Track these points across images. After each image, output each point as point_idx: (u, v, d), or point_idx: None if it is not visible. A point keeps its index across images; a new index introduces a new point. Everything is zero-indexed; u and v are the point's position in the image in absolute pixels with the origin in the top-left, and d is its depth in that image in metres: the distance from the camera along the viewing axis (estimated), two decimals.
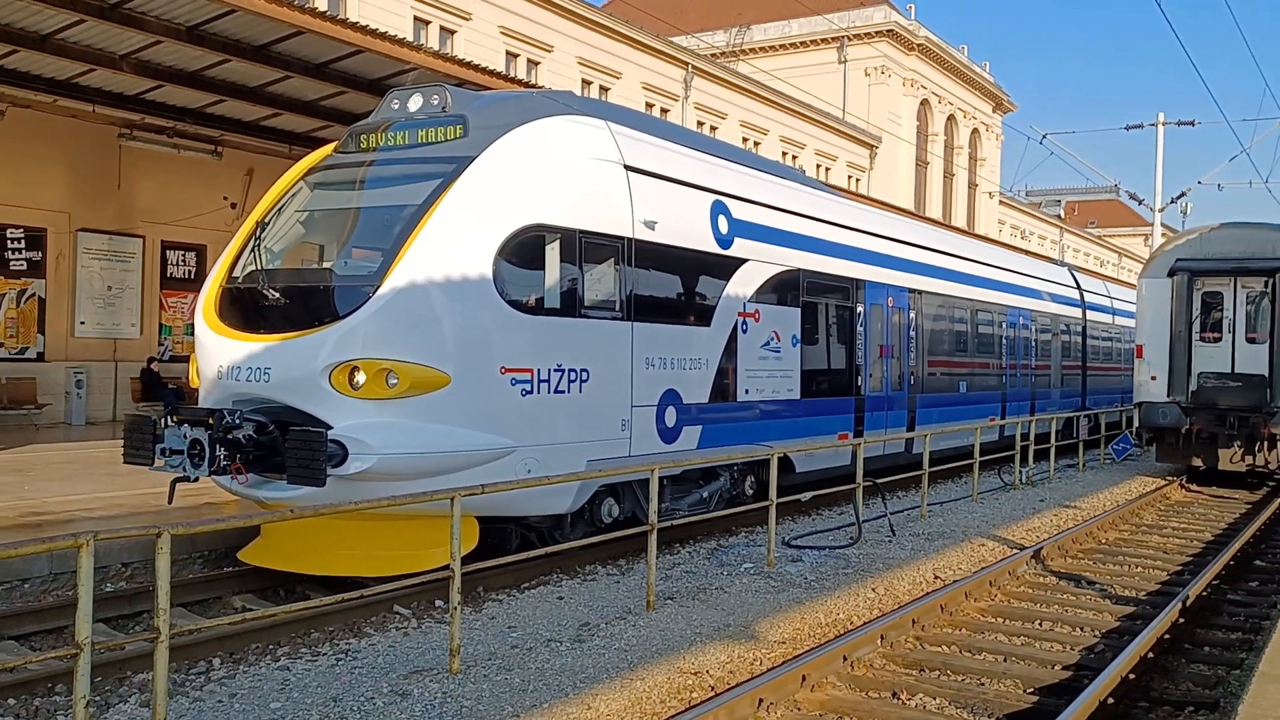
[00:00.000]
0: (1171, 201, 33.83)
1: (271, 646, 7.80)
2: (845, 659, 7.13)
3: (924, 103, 54.04)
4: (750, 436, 12.24)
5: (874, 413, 15.29)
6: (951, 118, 57.13)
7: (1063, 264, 31.13)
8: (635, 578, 9.50)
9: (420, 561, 8.42)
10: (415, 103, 10.12)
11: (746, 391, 12.19)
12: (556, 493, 9.48)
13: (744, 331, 12.12)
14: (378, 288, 8.57)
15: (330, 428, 8.30)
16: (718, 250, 11.73)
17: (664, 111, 37.33)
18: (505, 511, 9.41)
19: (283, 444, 8.28)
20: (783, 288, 12.93)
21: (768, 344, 12.59)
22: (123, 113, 17.98)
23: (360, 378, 8.45)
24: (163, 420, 8.90)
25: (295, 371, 8.57)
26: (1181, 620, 8.53)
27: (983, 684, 7.09)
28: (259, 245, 9.75)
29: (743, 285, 12.12)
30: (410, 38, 24.07)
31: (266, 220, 10.02)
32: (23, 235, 19.31)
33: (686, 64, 38.25)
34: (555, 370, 9.46)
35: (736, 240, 12.06)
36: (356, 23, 15.09)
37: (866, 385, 15.12)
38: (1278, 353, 17.33)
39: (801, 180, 15.73)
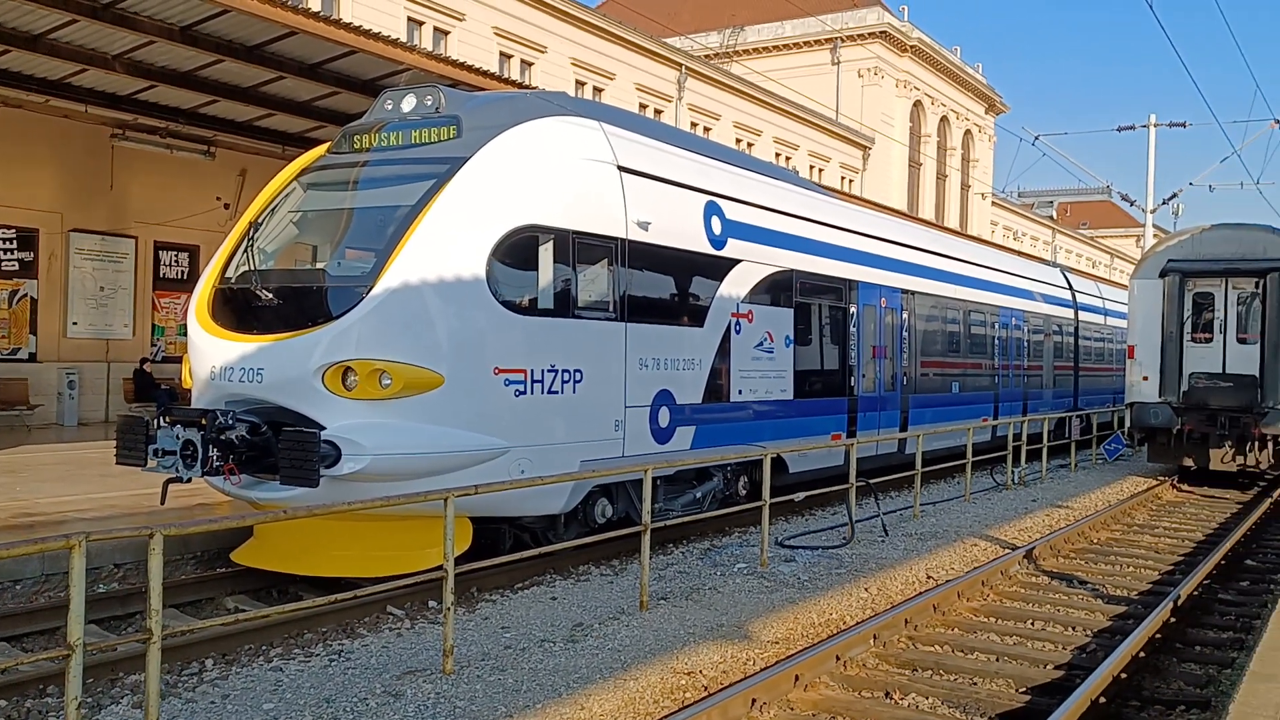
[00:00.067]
0: (1163, 203, 33.95)
1: (264, 647, 7.79)
2: (838, 659, 7.15)
3: (917, 104, 54.14)
4: (744, 437, 12.25)
5: (867, 413, 15.32)
6: (944, 119, 57.24)
7: (1055, 265, 31.19)
8: (629, 578, 9.51)
9: (414, 562, 8.42)
10: (409, 103, 10.12)
11: (740, 392, 12.21)
12: (550, 493, 9.48)
13: (737, 332, 12.13)
14: (371, 288, 8.56)
15: (323, 428, 8.29)
16: (711, 251, 11.75)
17: (657, 112, 37.34)
18: (499, 512, 9.41)
19: (276, 445, 8.27)
20: (776, 288, 12.95)
21: (761, 344, 12.61)
22: (115, 113, 17.94)
23: (353, 378, 8.45)
24: (155, 421, 8.89)
25: (288, 372, 8.56)
26: (1173, 620, 8.55)
27: (975, 683, 7.11)
28: (252, 246, 9.74)
29: (736, 286, 12.13)
30: (404, 38, 24.04)
31: (260, 221, 10.01)
32: (14, 235, 19.24)
33: (680, 65, 38.26)
34: (549, 371, 9.47)
35: (730, 241, 12.08)
36: (350, 23, 15.08)
37: (859, 386, 15.15)
38: (1269, 353, 17.39)
39: (795, 181, 15.76)
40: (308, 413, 8.50)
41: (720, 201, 12.05)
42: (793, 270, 13.32)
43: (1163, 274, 18.40)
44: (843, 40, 50.09)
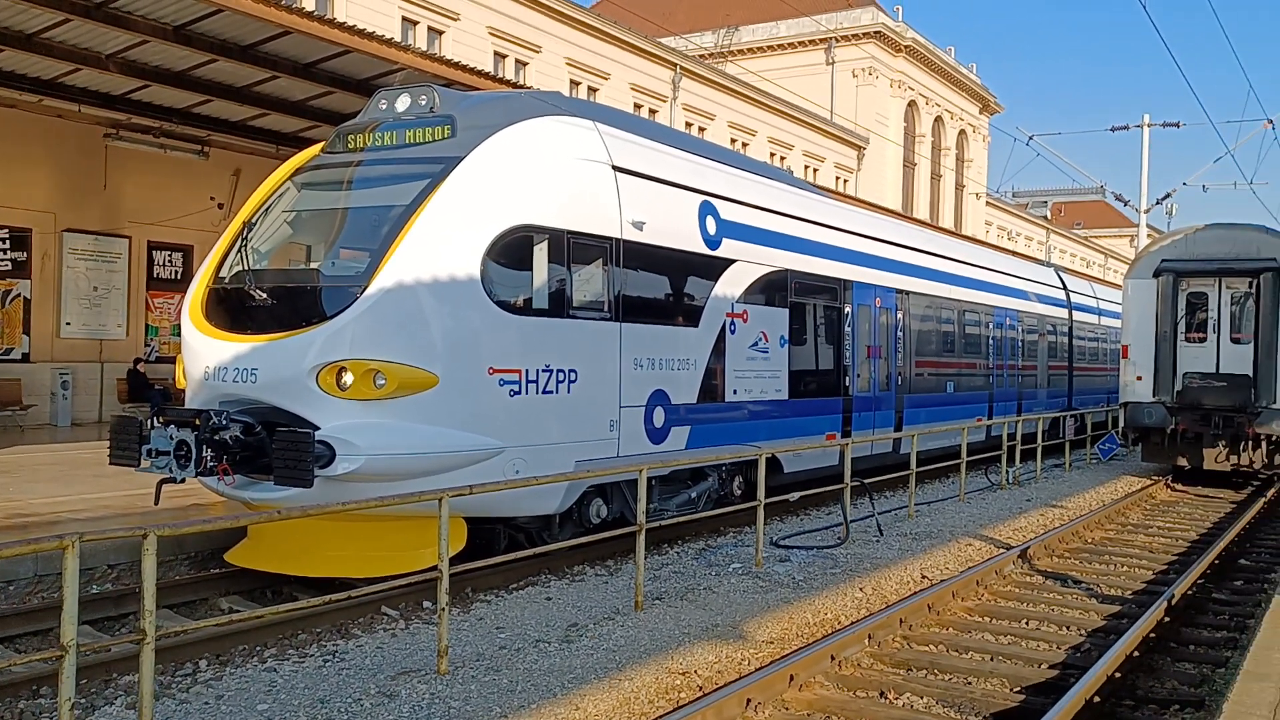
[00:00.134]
0: (1157, 203, 34.03)
1: (258, 648, 7.77)
2: (833, 659, 7.15)
3: (911, 104, 54.21)
4: (738, 437, 12.25)
5: (862, 413, 15.33)
6: (939, 119, 57.31)
7: (1049, 265, 31.27)
8: (623, 578, 9.51)
9: (408, 562, 8.40)
10: (403, 103, 10.11)
11: (735, 392, 12.21)
12: (545, 493, 9.47)
13: (732, 332, 12.13)
14: (365, 288, 8.55)
15: (317, 428, 8.27)
16: (705, 251, 11.75)
17: (652, 112, 37.35)
18: (493, 512, 9.40)
19: (270, 445, 8.26)
20: (770, 288, 12.96)
21: (756, 344, 12.61)
22: (109, 112, 17.90)
23: (348, 378, 8.43)
24: (149, 421, 8.86)
25: (282, 372, 8.55)
26: (1167, 619, 8.57)
27: (970, 683, 7.11)
28: (246, 245, 9.72)
29: (731, 286, 12.13)
30: (398, 38, 24.03)
31: (253, 220, 9.99)
32: (7, 235, 19.18)
33: (675, 65, 38.27)
34: (543, 371, 9.46)
35: (724, 241, 12.08)
36: (344, 23, 15.06)
37: (854, 385, 15.16)
38: (1262, 353, 17.44)
39: (789, 181, 15.76)
40: (302, 413, 8.48)
41: (715, 201, 12.05)
42: (787, 270, 13.33)
43: (1157, 274, 18.44)
44: (837, 40, 50.14)
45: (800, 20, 49.62)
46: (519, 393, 9.21)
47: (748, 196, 12.88)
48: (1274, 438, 17.22)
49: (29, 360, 19.60)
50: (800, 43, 50.98)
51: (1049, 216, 78.40)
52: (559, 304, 9.72)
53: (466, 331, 8.90)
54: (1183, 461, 18.16)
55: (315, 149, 10.62)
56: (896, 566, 10.27)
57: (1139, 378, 18.39)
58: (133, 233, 21.06)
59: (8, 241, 19.23)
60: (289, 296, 9.02)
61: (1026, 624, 8.73)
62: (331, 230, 9.68)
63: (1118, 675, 7.04)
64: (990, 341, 20.54)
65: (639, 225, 10.64)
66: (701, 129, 39.51)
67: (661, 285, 11.19)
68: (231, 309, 9.25)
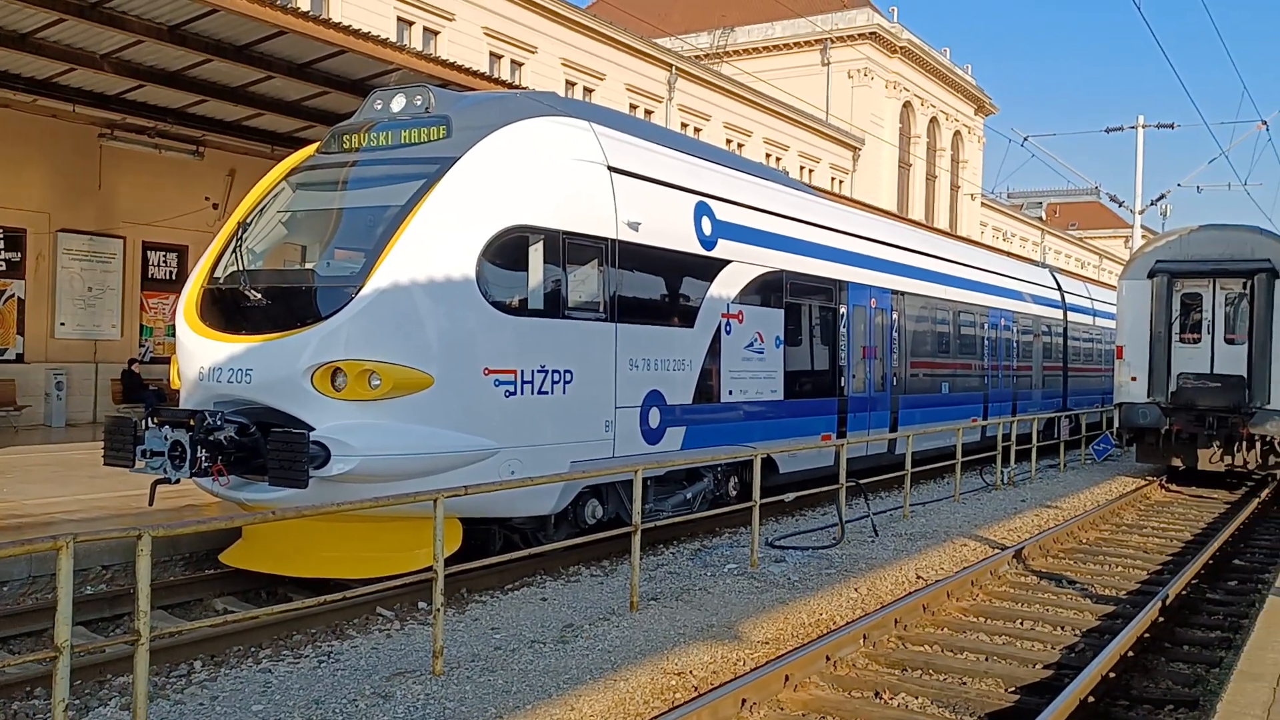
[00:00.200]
0: (1151, 204, 34.07)
1: (253, 649, 7.76)
2: (828, 659, 7.16)
3: (906, 105, 54.27)
4: (734, 437, 12.26)
5: (857, 413, 15.34)
6: (934, 120, 57.38)
7: (1044, 265, 31.31)
8: (619, 579, 9.50)
9: (403, 563, 8.40)
10: (398, 103, 10.10)
11: (730, 392, 12.22)
12: (540, 494, 9.47)
13: (727, 332, 12.14)
14: (360, 288, 8.54)
15: (312, 429, 8.26)
16: (701, 251, 11.75)
17: (648, 113, 37.36)
18: (489, 513, 9.39)
19: (264, 446, 8.25)
20: (766, 289, 12.97)
21: (751, 345, 12.62)
22: (103, 112, 17.86)
23: (343, 379, 8.42)
24: (144, 422, 8.85)
25: (277, 372, 8.53)
26: (1161, 619, 8.58)
27: (964, 683, 7.12)
28: (241, 246, 9.71)
29: (726, 286, 12.14)
30: (393, 38, 23.99)
31: (248, 221, 9.97)
32: (2, 236, 19.13)
33: (670, 65, 38.28)
34: (539, 371, 9.46)
35: (720, 241, 12.09)
36: (339, 23, 15.04)
37: (849, 386, 15.18)
38: (1256, 354, 17.48)
39: (784, 182, 15.77)
40: (297, 413, 8.47)
41: (710, 202, 12.06)
42: (783, 271, 13.34)
43: (1151, 274, 18.48)
44: (832, 41, 50.18)
45: (795, 21, 49.66)
46: (514, 393, 9.20)
47: (743, 197, 12.89)
48: (1268, 438, 17.26)
49: (23, 361, 19.55)
50: (795, 44, 51.03)
51: (1044, 217, 78.51)
52: (554, 304, 9.71)
53: (462, 332, 8.90)
54: (1177, 462, 18.19)
55: (310, 149, 10.61)
56: (892, 567, 10.28)
57: (1133, 378, 18.42)
58: (127, 233, 21.02)
59: (2, 242, 19.19)
60: (284, 297, 9.01)
61: (1021, 624, 8.74)
62: (326, 230, 9.67)
63: (1112, 675, 7.06)
64: (985, 342, 20.57)
65: (634, 226, 10.64)
66: (697, 130, 39.54)
67: (657, 286, 11.20)
68: (226, 309, 9.24)
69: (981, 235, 61.20)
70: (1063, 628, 8.68)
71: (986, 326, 20.63)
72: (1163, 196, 34.90)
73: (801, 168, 45.69)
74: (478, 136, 9.47)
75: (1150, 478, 18.42)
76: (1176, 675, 7.50)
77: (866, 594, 9.23)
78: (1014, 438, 18.17)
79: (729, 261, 12.20)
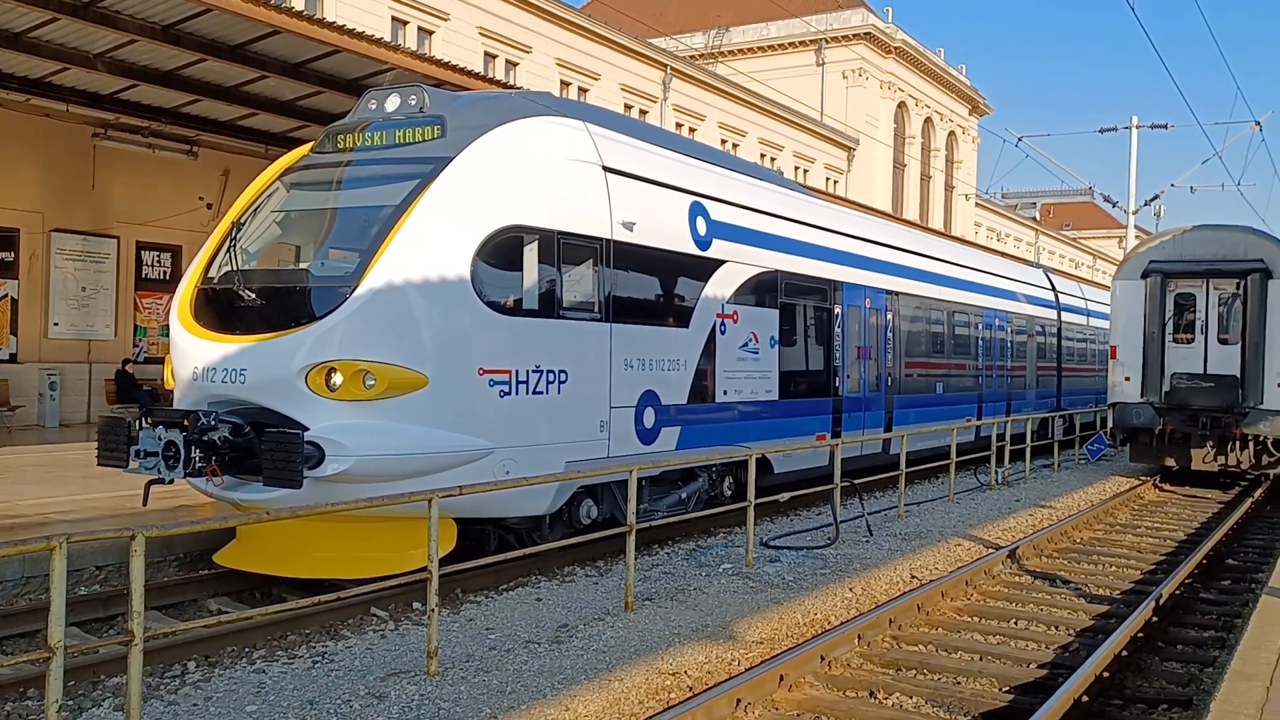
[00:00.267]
0: (1145, 204, 34.15)
1: (247, 649, 7.75)
2: (823, 659, 7.16)
3: (901, 105, 54.33)
4: (728, 437, 12.26)
5: (851, 413, 15.36)
6: (928, 120, 57.45)
7: (1038, 266, 31.35)
8: (614, 579, 9.50)
9: (398, 563, 8.39)
10: (393, 103, 10.08)
11: (725, 392, 12.22)
12: (535, 494, 9.47)
13: (722, 333, 12.15)
14: (355, 288, 8.53)
15: (307, 429, 8.25)
16: (696, 251, 11.76)
17: (643, 113, 37.35)
18: (483, 513, 9.39)
19: (259, 446, 8.23)
20: (761, 289, 12.97)
21: (746, 345, 12.63)
22: (97, 112, 17.84)
23: (337, 379, 8.41)
24: (138, 422, 8.83)
25: (271, 372, 8.52)
26: (1155, 619, 8.60)
27: (959, 683, 7.13)
28: (235, 246, 9.69)
29: (721, 286, 12.15)
30: (388, 38, 23.98)
31: (242, 220, 9.96)
32: None
33: (665, 65, 38.28)
34: (534, 371, 9.45)
35: (715, 241, 12.09)
36: (333, 23, 15.02)
37: (844, 386, 15.19)
38: (1249, 354, 17.52)
39: (779, 182, 15.78)
40: (291, 413, 8.45)
41: (705, 202, 12.06)
42: (778, 271, 13.35)
43: (1145, 275, 18.52)
44: (827, 42, 50.21)
45: (790, 21, 49.69)
46: (509, 393, 9.20)
47: (738, 197, 12.90)
48: (1261, 438, 17.30)
49: (16, 361, 19.51)
50: (790, 44, 51.05)
51: (1038, 218, 78.65)
52: (549, 304, 9.71)
53: (456, 332, 8.89)
54: (1171, 462, 18.23)
55: (304, 149, 10.59)
56: (886, 567, 10.28)
57: (1127, 378, 18.46)
58: (121, 233, 20.99)
59: None
60: (278, 297, 8.99)
61: (1015, 624, 8.75)
62: (321, 230, 9.66)
63: (1106, 675, 7.06)
64: (979, 342, 20.60)
65: (629, 226, 10.64)
66: (692, 130, 39.54)
67: (652, 286, 11.20)
68: (220, 309, 9.22)
69: (976, 235, 61.30)
70: (1057, 627, 8.69)
71: (981, 327, 20.66)
72: (1156, 197, 35.04)
73: (796, 168, 45.72)
74: (472, 136, 9.46)
75: (1144, 477, 18.46)
76: (1170, 674, 7.51)
77: (861, 594, 9.24)
78: (1008, 438, 18.19)
79: (724, 261, 12.21)
